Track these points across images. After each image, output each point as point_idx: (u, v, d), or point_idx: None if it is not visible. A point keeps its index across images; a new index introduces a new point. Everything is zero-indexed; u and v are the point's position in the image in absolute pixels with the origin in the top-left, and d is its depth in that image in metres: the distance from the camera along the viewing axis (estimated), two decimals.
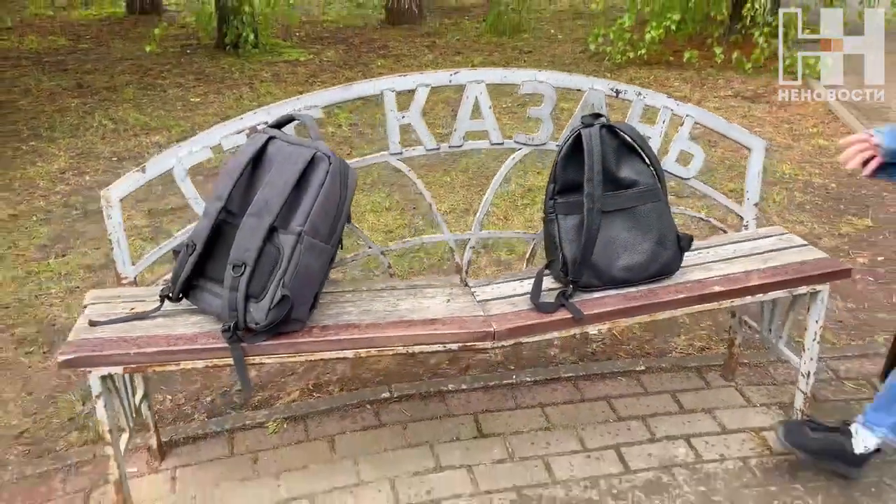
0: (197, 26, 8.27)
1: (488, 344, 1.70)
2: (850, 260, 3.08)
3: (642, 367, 2.37)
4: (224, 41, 7.35)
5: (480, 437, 2.07)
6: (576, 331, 1.78)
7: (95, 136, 4.92)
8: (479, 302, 1.83)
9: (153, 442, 1.95)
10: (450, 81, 1.91)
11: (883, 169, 1.70)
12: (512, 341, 1.73)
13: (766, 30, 6.18)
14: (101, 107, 5.59)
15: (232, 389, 2.32)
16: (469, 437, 2.07)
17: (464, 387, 2.29)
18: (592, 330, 1.80)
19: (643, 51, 6.50)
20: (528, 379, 2.33)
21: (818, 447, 1.84)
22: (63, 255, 3.26)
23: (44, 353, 2.55)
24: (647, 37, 6.46)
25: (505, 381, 2.32)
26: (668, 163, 2.06)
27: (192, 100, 5.78)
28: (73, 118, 5.31)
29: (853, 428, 1.82)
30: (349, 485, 1.89)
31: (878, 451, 1.82)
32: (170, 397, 2.29)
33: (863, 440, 1.80)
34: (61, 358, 1.54)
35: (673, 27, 6.50)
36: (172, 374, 2.36)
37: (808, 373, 1.98)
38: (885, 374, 1.89)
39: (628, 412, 2.15)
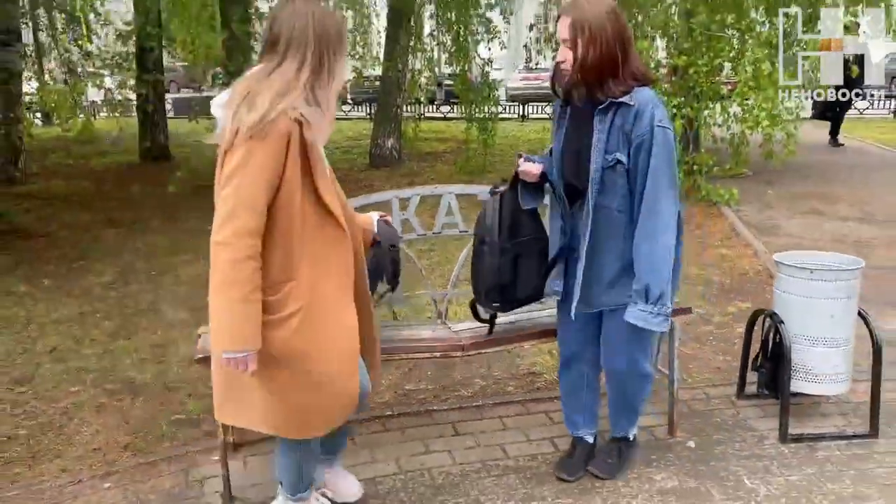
0: (212, 167, 9.48)
1: (459, 353, 2.67)
2: (731, 329, 4.12)
3: None
4: None
5: (457, 435, 2.97)
6: (511, 346, 2.76)
7: (133, 257, 5.92)
8: (454, 332, 2.81)
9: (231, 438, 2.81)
10: (433, 192, 3.00)
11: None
12: (475, 352, 2.70)
13: (684, 167, 7.55)
14: (133, 236, 6.64)
15: None
16: (449, 436, 2.96)
17: (445, 408, 3.21)
18: (527, 345, 2.79)
19: None
20: (490, 402, 3.26)
21: None
22: (129, 339, 4.17)
23: (131, 399, 3.42)
24: None
25: (473, 404, 3.24)
26: None
27: (208, 228, 6.84)
28: (111, 244, 6.33)
29: None
30: (368, 462, 2.77)
31: None
32: None
33: None
34: (197, 356, 2.47)
35: None
36: None
37: (674, 380, 2.94)
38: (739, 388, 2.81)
39: (559, 418, 3.08)
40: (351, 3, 10.12)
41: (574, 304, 2.39)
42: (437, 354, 2.65)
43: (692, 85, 7.11)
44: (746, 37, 7.06)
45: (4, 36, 8.87)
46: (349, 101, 19.06)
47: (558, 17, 2.27)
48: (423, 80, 12.25)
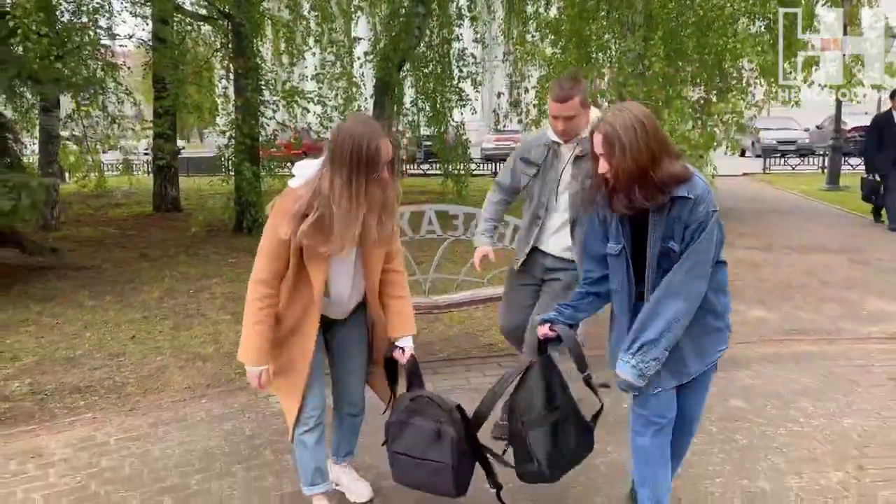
0: (221, 215, 10.65)
1: (436, 310, 4.06)
2: None
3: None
4: (242, 225, 9.97)
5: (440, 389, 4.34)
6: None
7: (172, 281, 7.26)
8: (433, 300, 4.22)
9: None
10: (418, 209, 4.45)
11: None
12: (447, 310, 4.10)
13: None
14: (166, 267, 7.98)
15: None
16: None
17: (429, 371, 4.59)
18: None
19: None
20: (460, 367, 4.64)
21: None
22: (188, 331, 5.50)
23: (202, 362, 4.74)
24: None
25: (447, 368, 4.62)
26: None
27: (230, 260, 8.24)
28: (151, 273, 7.67)
29: None
30: None
31: None
32: None
33: None
34: None
35: None
36: None
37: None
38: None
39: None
40: (344, 74, 11.73)
41: (673, 381, 2.39)
42: (422, 311, 4.05)
43: None
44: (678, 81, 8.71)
45: (46, 104, 10.36)
46: None
47: (592, 132, 2.31)
48: (405, 140, 13.89)
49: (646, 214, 2.28)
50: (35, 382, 4.44)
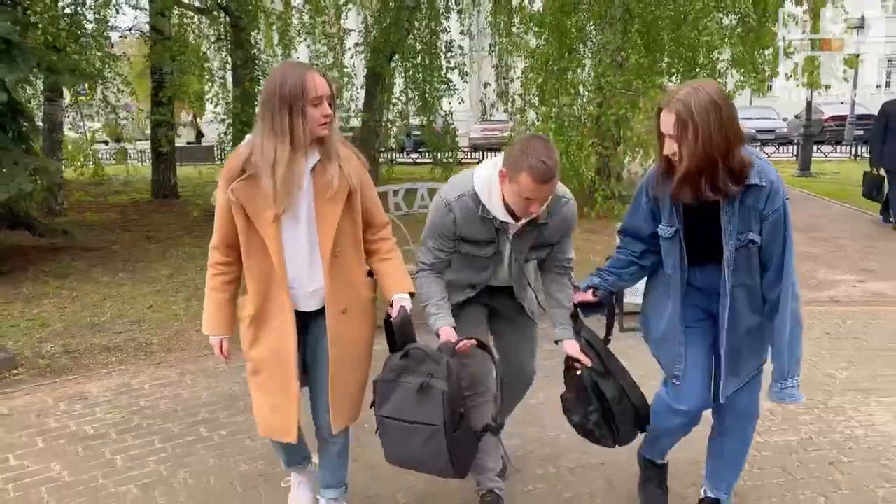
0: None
1: None
2: None
3: None
4: None
5: None
6: None
7: (178, 260, 7.74)
8: None
9: None
10: (412, 186, 4.97)
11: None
12: None
13: (602, 192, 9.57)
14: (171, 248, 8.45)
15: None
16: None
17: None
18: None
19: None
20: None
21: None
22: (200, 301, 5.99)
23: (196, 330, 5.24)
24: None
25: None
26: None
27: None
28: (158, 253, 8.14)
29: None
30: None
31: None
32: None
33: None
34: None
35: None
36: None
37: None
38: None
39: None
40: (336, 64, 12.19)
41: (722, 383, 2.34)
42: None
43: (606, 129, 9.26)
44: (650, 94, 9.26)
45: (50, 94, 10.78)
46: None
47: (659, 110, 2.10)
48: (394, 129, 14.38)
49: (704, 203, 2.12)
50: (67, 344, 4.94)
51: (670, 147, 2.07)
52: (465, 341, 2.41)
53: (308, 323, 2.35)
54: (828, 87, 10.58)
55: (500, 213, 2.42)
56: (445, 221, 2.49)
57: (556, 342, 2.57)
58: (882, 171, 8.36)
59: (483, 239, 2.50)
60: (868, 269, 6.59)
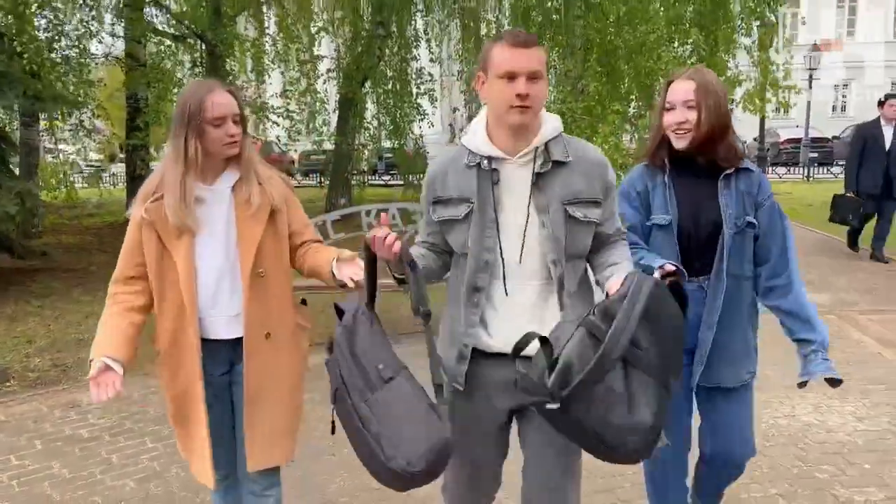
0: None
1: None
2: None
3: None
4: None
5: None
6: None
7: None
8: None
9: None
10: (383, 206, 5.35)
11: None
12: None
13: None
14: None
15: None
16: None
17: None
18: None
19: None
20: None
21: None
22: None
23: None
24: None
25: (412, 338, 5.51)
26: None
27: None
28: None
29: None
30: None
31: None
32: None
33: None
34: None
35: None
36: None
37: None
38: None
39: None
40: (309, 90, 12.58)
41: (696, 376, 2.20)
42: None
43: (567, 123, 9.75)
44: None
45: (28, 118, 10.99)
46: (296, 172, 21.66)
47: (669, 82, 2.17)
48: (366, 152, 14.78)
49: (699, 187, 2.17)
50: (55, 358, 5.19)
51: (682, 115, 2.12)
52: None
53: (233, 352, 2.19)
54: (786, 109, 11.21)
55: (482, 144, 1.84)
56: (426, 190, 1.96)
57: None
58: (856, 194, 7.80)
59: (457, 196, 1.87)
60: (807, 280, 7.10)
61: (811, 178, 18.55)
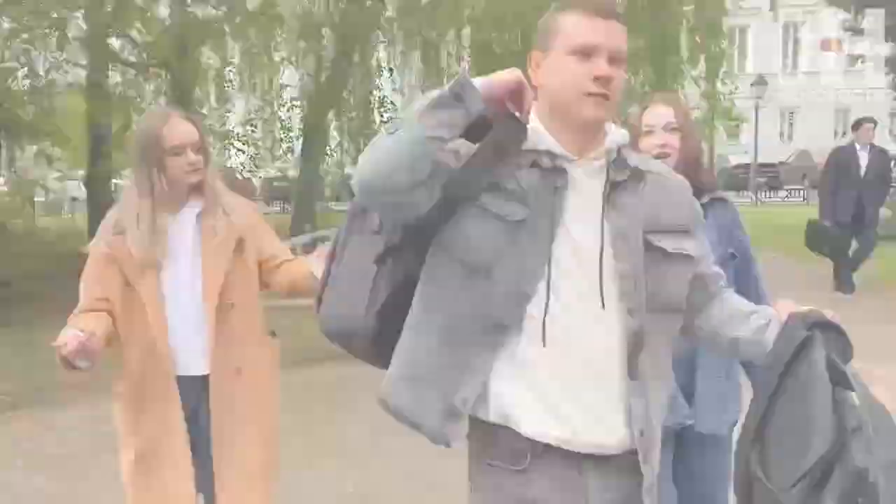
0: None
1: None
2: None
3: None
4: None
5: None
6: None
7: None
8: None
9: None
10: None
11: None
12: None
13: None
14: None
15: None
16: None
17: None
18: None
19: None
20: None
21: None
22: None
23: None
24: None
25: None
26: None
27: None
28: None
29: None
30: None
31: None
32: None
33: None
34: None
35: None
36: None
37: None
38: None
39: None
40: (273, 117, 12.81)
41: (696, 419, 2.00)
42: None
43: None
44: None
45: None
46: (258, 199, 21.75)
47: (645, 106, 2.11)
48: (328, 179, 15.03)
49: None
50: (29, 380, 5.26)
51: (662, 138, 2.01)
52: None
53: (205, 389, 2.09)
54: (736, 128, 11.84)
55: (547, 137, 1.32)
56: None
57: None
58: (828, 224, 7.22)
59: (518, 192, 1.30)
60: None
61: (760, 202, 19.37)
